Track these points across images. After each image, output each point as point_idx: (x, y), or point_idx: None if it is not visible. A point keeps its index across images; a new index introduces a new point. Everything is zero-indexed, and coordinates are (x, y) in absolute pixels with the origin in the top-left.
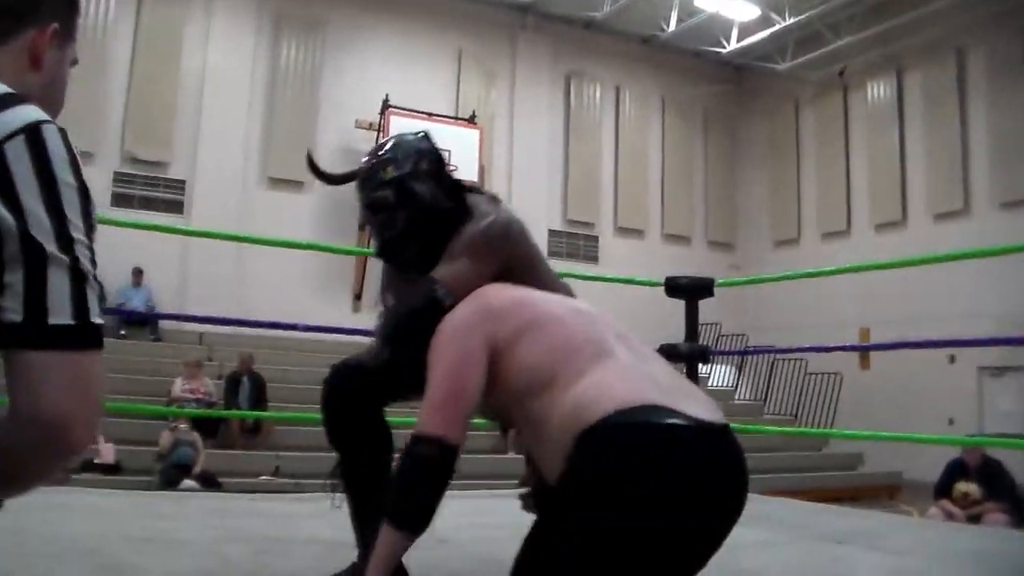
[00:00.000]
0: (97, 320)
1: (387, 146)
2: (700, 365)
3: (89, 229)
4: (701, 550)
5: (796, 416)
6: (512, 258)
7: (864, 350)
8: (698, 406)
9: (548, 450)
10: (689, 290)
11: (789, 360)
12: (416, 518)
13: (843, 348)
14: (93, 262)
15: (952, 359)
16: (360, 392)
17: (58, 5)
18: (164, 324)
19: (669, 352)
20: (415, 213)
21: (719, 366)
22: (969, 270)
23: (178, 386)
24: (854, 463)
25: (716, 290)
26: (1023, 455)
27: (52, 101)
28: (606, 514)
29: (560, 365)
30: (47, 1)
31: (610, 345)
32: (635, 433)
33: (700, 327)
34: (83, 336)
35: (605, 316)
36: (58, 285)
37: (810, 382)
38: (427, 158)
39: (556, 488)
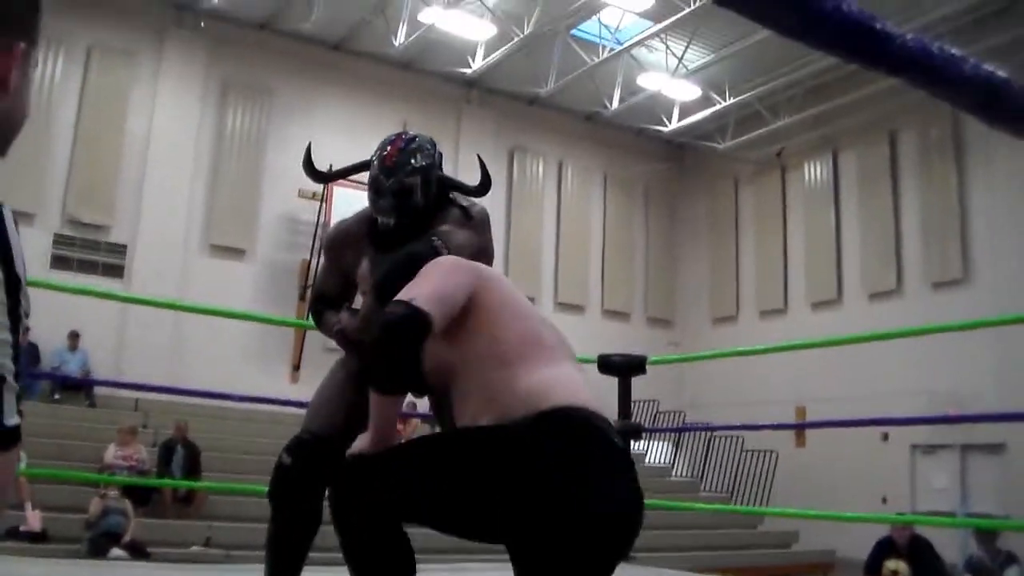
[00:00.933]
0: (11, 422)
1: (411, 138)
2: (633, 443)
3: (15, 322)
4: (608, 542)
5: (732, 494)
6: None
7: (798, 428)
8: (594, 403)
9: (493, 418)
10: (622, 368)
11: (725, 438)
12: (394, 381)
13: (778, 426)
14: (16, 358)
15: (885, 437)
16: (315, 475)
17: (25, 20)
18: (99, 389)
19: None
20: (431, 198)
21: (655, 443)
22: (902, 349)
23: (111, 452)
24: (788, 541)
25: (653, 367)
26: (953, 532)
27: (14, 124)
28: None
29: (528, 351)
30: (13, 17)
31: (563, 355)
32: (586, 427)
33: (637, 404)
34: None
35: (531, 308)
36: None
37: (746, 459)
38: (439, 153)
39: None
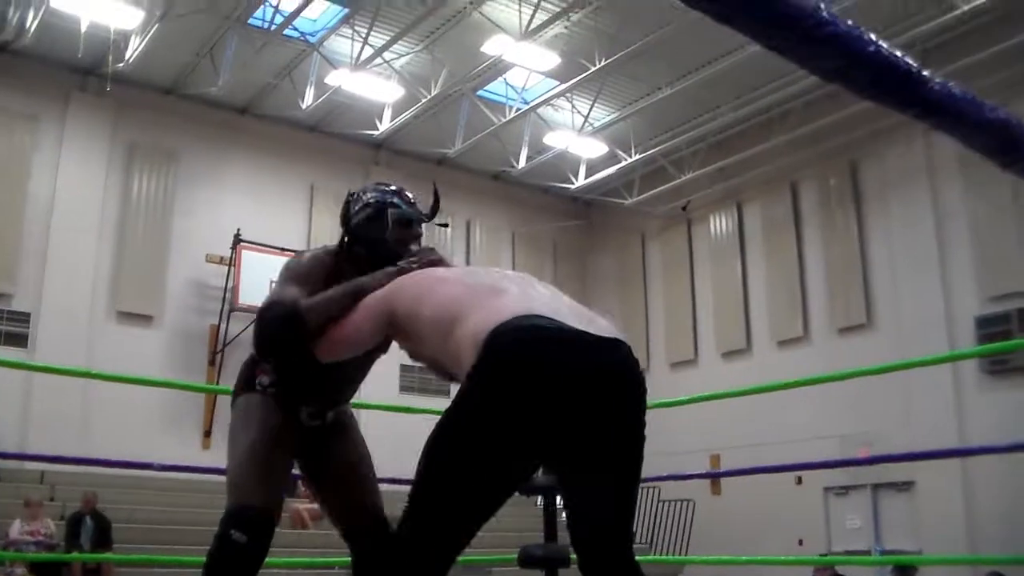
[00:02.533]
0: None
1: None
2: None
3: None
4: (584, 423)
5: (651, 544)
6: None
7: (712, 476)
8: (583, 324)
9: (465, 371)
10: None
11: (643, 489)
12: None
13: (692, 476)
14: None
15: (799, 481)
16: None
17: None
18: (4, 463)
19: (526, 487)
20: None
21: None
22: (812, 395)
23: (16, 528)
24: None
25: None
26: (869, 572)
27: None
28: (491, 402)
29: (460, 307)
30: None
31: (505, 285)
32: (526, 330)
33: None
34: None
35: (500, 271)
36: None
37: (664, 509)
38: None
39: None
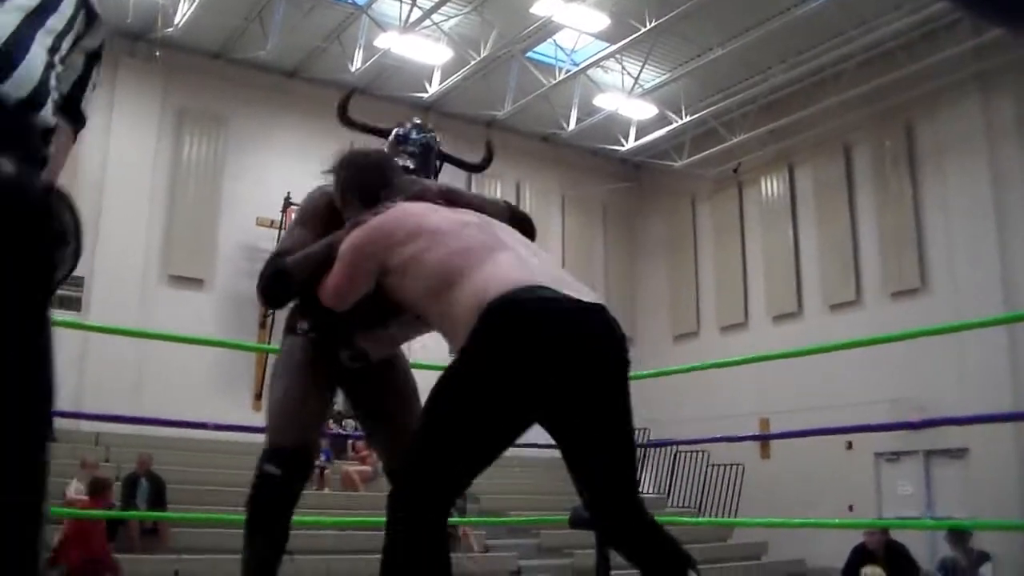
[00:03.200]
0: None
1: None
2: None
3: None
4: (583, 386)
5: (699, 508)
6: None
7: (761, 439)
8: (573, 290)
9: (460, 335)
10: None
11: (691, 453)
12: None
13: (742, 438)
14: None
15: (849, 446)
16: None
17: None
18: (60, 423)
19: None
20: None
21: None
22: (863, 358)
23: (73, 488)
24: (758, 552)
25: None
26: (921, 537)
27: None
28: (495, 363)
29: (457, 266)
30: None
31: (501, 243)
32: (525, 303)
33: None
34: None
35: (499, 224)
36: None
37: (712, 473)
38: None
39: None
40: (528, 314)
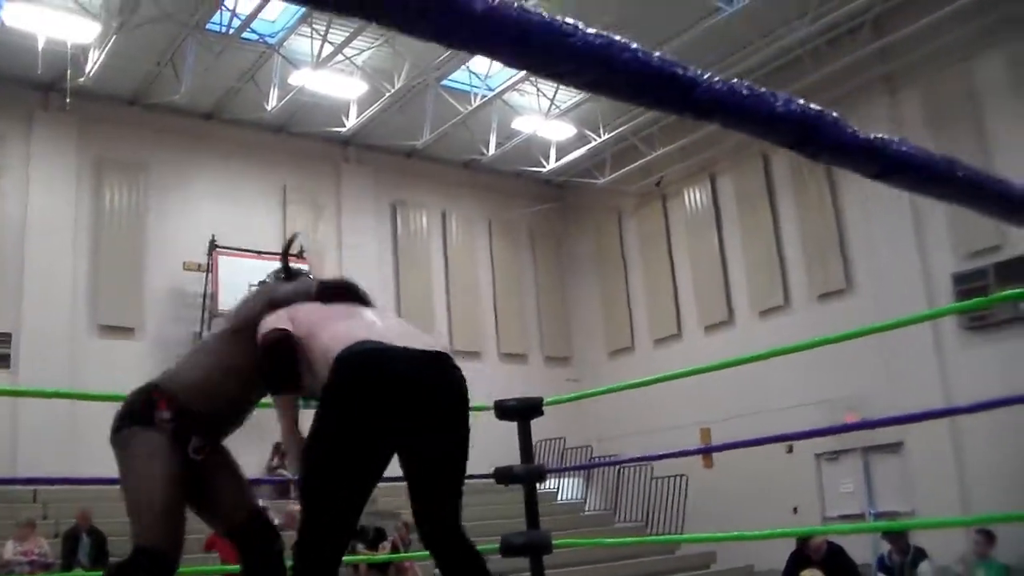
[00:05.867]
0: None
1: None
2: (539, 484)
3: None
4: (411, 419)
5: (647, 521)
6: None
7: (700, 452)
8: (412, 342)
9: (319, 378)
10: (519, 411)
11: (635, 467)
12: (283, 382)
13: (681, 453)
14: None
15: (790, 449)
16: None
17: None
18: None
19: (504, 474)
20: None
21: (567, 480)
22: (796, 362)
23: (9, 549)
24: (707, 562)
25: (555, 405)
26: (863, 536)
27: None
28: (340, 408)
29: (317, 325)
30: None
31: (357, 312)
32: (360, 355)
33: (543, 443)
34: None
35: (366, 307)
36: None
37: (657, 486)
38: None
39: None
40: (360, 363)
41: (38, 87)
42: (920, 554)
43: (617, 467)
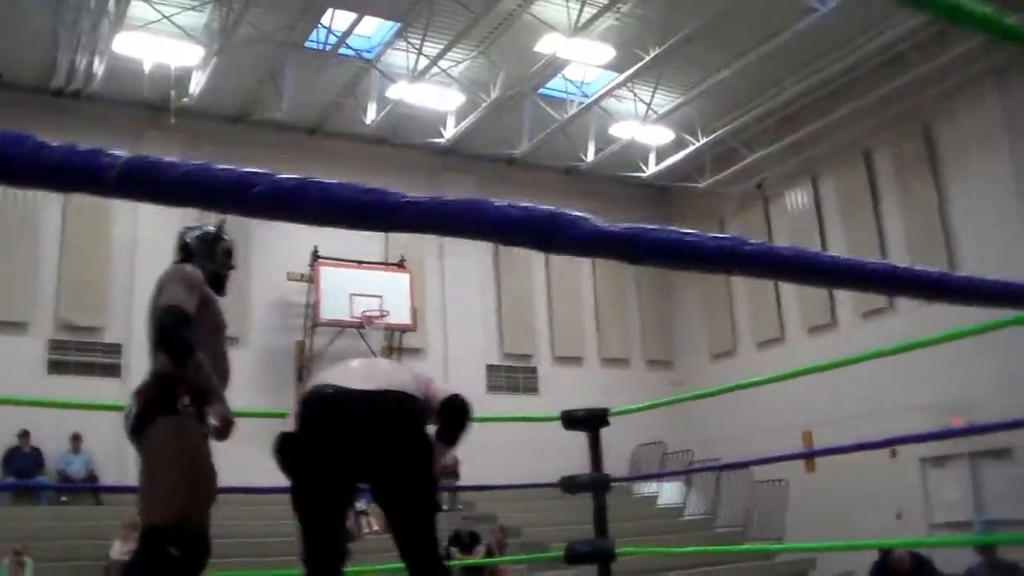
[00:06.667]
0: None
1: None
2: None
3: None
4: (345, 467)
5: (746, 526)
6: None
7: (802, 457)
8: (367, 383)
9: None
10: (585, 422)
11: (735, 471)
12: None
13: (782, 458)
14: None
15: (894, 453)
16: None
17: None
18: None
19: (569, 483)
20: None
21: (668, 483)
22: (901, 364)
23: (116, 549)
24: (806, 568)
25: (660, 408)
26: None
27: None
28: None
29: (321, 374)
30: None
31: (346, 362)
32: (310, 395)
33: (644, 447)
34: None
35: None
36: None
37: (757, 490)
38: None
39: None
40: (311, 403)
41: (147, 107)
42: (1010, 570)
43: (717, 471)
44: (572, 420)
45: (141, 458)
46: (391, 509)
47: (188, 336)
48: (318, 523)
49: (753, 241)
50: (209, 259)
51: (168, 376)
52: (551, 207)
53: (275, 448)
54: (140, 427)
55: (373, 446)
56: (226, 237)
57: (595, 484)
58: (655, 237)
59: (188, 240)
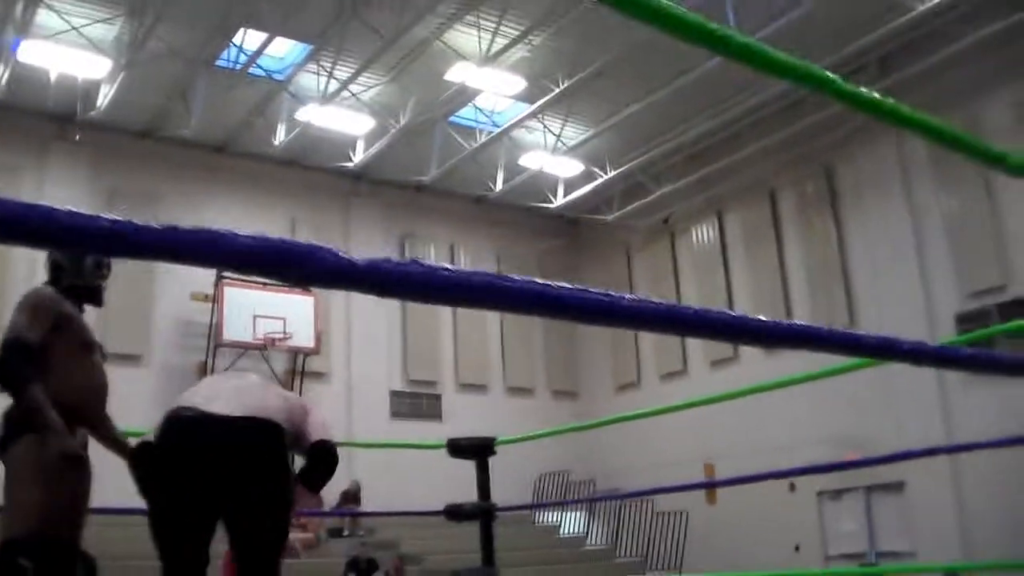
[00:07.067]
0: None
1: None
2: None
3: None
4: (192, 491)
5: (647, 556)
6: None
7: (702, 487)
8: (230, 406)
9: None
10: (471, 450)
11: (637, 502)
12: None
13: (684, 488)
14: None
15: (792, 487)
16: None
17: None
18: None
19: (455, 512)
20: None
21: (568, 513)
22: (800, 399)
23: None
24: None
25: (562, 437)
26: None
27: None
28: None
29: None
30: None
31: (215, 378)
32: (171, 416)
33: (547, 476)
34: None
35: (240, 374)
36: None
37: (659, 521)
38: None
39: None
40: (169, 426)
41: (52, 118)
42: None
43: (619, 502)
44: (457, 448)
45: (6, 476)
46: (236, 539)
47: (19, 370)
48: (175, 550)
49: (516, 277)
50: (77, 274)
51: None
52: (289, 239)
53: (134, 457)
54: (3, 446)
55: (228, 477)
56: None
57: (480, 513)
58: (393, 270)
59: (55, 257)
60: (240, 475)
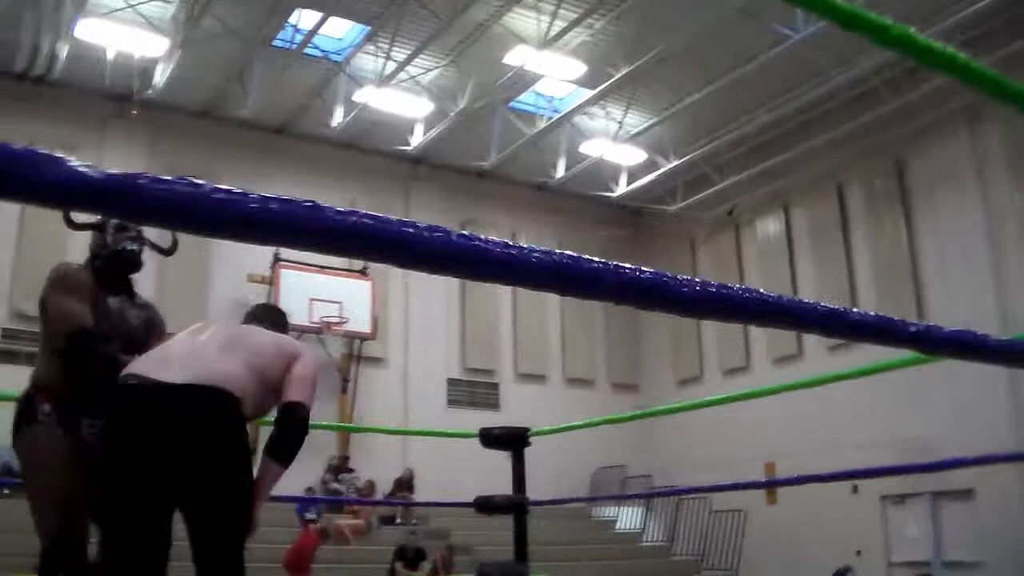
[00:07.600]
0: None
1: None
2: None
3: None
4: (141, 462)
5: (703, 555)
6: None
7: (759, 487)
8: (172, 372)
9: None
10: (504, 441)
11: (695, 499)
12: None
13: (743, 486)
14: None
15: (855, 489)
16: None
17: None
18: None
19: (484, 504)
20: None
21: (626, 509)
22: (865, 399)
23: None
24: None
25: (621, 431)
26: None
27: None
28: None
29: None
30: None
31: (185, 334)
32: (117, 385)
33: (604, 469)
34: None
35: (217, 327)
36: None
37: (715, 520)
38: None
39: None
40: (113, 396)
41: (110, 97)
42: None
43: (676, 499)
44: (489, 438)
45: (21, 466)
46: (191, 527)
47: (104, 351)
48: (119, 534)
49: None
50: (103, 245)
51: (37, 383)
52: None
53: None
54: (13, 438)
55: (172, 455)
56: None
57: (511, 506)
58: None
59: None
60: (181, 457)
